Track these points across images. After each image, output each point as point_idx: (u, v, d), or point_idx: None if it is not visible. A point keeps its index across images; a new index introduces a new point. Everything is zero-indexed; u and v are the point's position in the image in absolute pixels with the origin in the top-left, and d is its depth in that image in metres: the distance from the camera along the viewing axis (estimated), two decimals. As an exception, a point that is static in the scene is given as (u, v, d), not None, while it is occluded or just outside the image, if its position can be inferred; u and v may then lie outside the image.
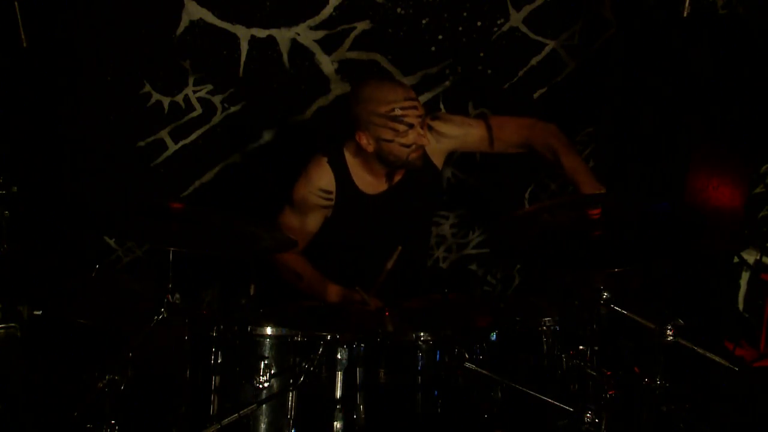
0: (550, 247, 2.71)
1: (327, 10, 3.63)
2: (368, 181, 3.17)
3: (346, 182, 3.14)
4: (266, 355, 2.53)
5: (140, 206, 2.70)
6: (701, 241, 2.55)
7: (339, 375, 2.46)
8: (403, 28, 3.64)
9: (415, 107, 3.02)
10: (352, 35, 3.65)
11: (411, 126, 2.99)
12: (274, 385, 2.52)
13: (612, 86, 3.94)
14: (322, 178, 3.14)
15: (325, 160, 3.15)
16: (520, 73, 3.86)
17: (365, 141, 3.04)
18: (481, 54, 3.80)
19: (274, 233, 2.82)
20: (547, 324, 2.69)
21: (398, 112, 2.98)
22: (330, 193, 3.13)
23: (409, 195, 3.23)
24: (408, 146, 3.02)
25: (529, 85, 3.89)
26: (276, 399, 2.51)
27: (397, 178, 3.19)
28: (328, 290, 3.07)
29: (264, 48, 3.64)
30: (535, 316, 2.72)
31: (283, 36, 3.64)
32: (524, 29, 3.79)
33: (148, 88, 3.62)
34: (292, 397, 2.49)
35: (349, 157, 3.15)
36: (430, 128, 3.20)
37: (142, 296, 2.93)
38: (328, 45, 3.68)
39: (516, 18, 3.78)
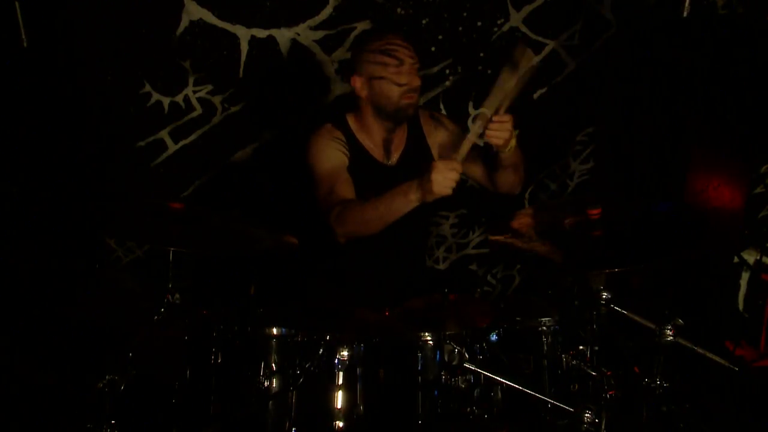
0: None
1: (327, 10, 3.63)
2: (369, 147, 3.13)
3: (352, 139, 3.08)
4: (266, 355, 2.53)
5: (140, 206, 2.70)
6: (701, 242, 2.55)
7: (339, 375, 2.45)
8: (403, 28, 3.63)
9: (406, 47, 2.98)
10: (352, 35, 3.65)
11: (401, 62, 2.95)
12: (275, 385, 2.52)
13: (612, 86, 3.94)
14: (332, 132, 3.07)
15: (330, 124, 3.10)
16: (521, 73, 3.86)
17: (359, 84, 3.00)
18: (481, 54, 3.80)
19: (274, 233, 2.82)
20: (547, 324, 2.70)
21: (388, 47, 2.96)
22: (343, 141, 3.06)
23: None
24: (400, 85, 2.96)
25: (529, 85, 3.88)
26: (276, 399, 2.51)
27: (395, 155, 3.14)
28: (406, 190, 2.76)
29: (264, 48, 3.63)
30: (535, 316, 2.73)
31: (283, 36, 3.64)
32: (524, 29, 3.79)
33: (148, 88, 3.62)
34: (292, 397, 2.49)
35: (351, 121, 3.11)
36: (433, 117, 3.20)
37: (142, 296, 2.93)
38: (328, 45, 3.68)
39: (516, 18, 3.78)
